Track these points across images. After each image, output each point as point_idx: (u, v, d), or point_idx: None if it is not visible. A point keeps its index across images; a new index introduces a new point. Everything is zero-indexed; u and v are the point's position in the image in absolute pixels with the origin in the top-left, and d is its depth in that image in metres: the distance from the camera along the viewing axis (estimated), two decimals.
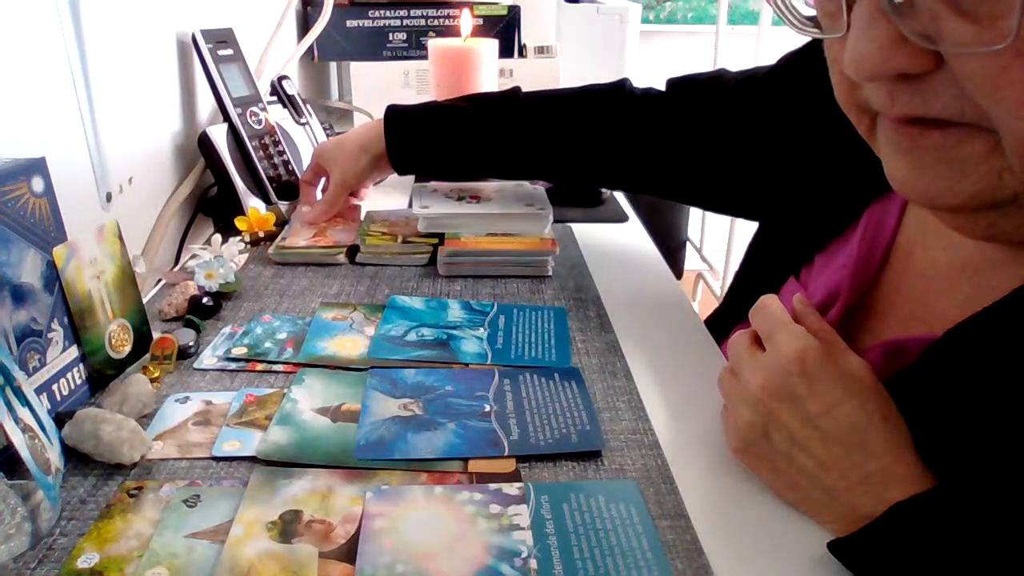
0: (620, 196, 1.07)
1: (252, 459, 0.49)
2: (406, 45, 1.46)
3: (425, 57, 1.12)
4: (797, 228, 0.64)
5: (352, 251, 0.83)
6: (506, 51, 1.44)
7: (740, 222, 2.45)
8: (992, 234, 0.42)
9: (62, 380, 0.52)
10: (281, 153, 0.95)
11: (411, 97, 1.37)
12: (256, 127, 0.92)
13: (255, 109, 0.93)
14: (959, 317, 0.44)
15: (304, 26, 1.39)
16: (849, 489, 0.43)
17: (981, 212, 0.39)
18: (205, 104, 0.99)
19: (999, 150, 0.35)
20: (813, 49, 0.65)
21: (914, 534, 0.39)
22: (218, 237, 0.75)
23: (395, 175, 1.02)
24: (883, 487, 0.41)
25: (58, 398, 0.52)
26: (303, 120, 1.03)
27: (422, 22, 1.46)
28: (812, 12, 0.42)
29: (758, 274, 0.69)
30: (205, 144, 0.88)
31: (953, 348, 0.44)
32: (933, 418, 0.44)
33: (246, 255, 0.81)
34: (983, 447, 0.41)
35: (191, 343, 0.61)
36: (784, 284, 0.63)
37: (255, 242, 0.85)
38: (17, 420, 0.43)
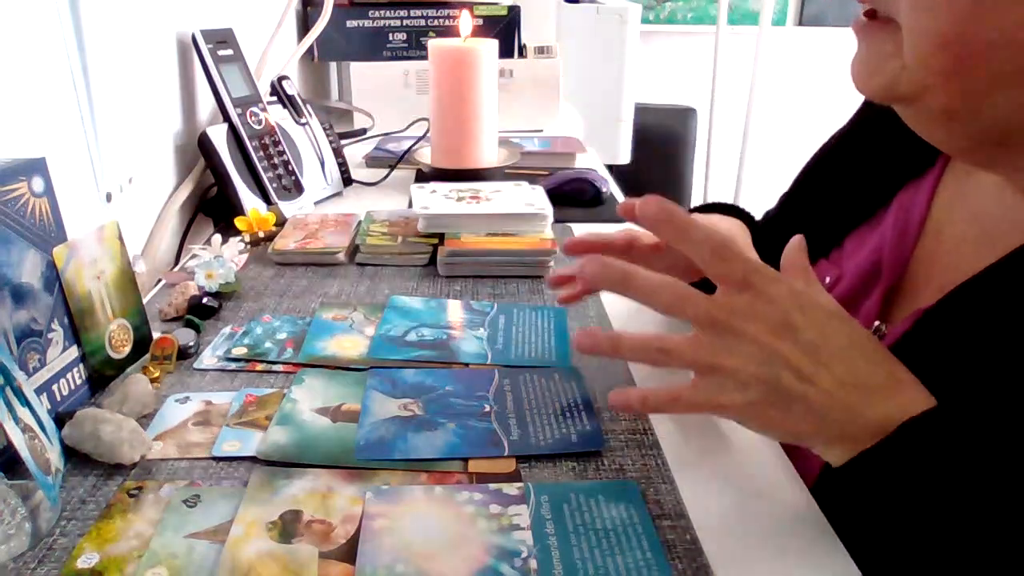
0: (620, 196, 1.07)
1: (252, 459, 0.49)
2: (406, 45, 1.46)
3: (425, 57, 1.12)
4: (827, 214, 0.66)
5: (352, 251, 0.83)
6: (506, 51, 1.44)
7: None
8: (932, 136, 0.47)
9: (62, 380, 0.52)
10: (281, 153, 0.95)
11: (411, 97, 1.37)
12: (256, 127, 0.92)
13: (255, 109, 0.93)
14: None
15: (304, 26, 1.39)
16: (863, 403, 0.42)
17: (900, 108, 0.47)
18: (205, 104, 0.99)
19: (901, 52, 0.43)
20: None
21: (929, 445, 0.40)
22: (218, 237, 0.75)
23: (396, 174, 1.03)
24: (895, 391, 0.43)
25: (58, 398, 0.52)
26: (303, 120, 1.03)
27: (422, 22, 1.46)
28: None
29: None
30: (205, 144, 0.88)
31: (964, 300, 0.47)
32: (950, 366, 0.45)
33: (246, 255, 0.81)
34: (997, 395, 0.43)
35: (191, 343, 0.61)
36: (814, 266, 0.65)
37: (255, 242, 0.85)
38: (17, 420, 0.43)
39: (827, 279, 0.63)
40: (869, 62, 0.46)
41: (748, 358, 0.43)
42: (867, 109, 0.69)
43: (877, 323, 0.55)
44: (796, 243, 0.49)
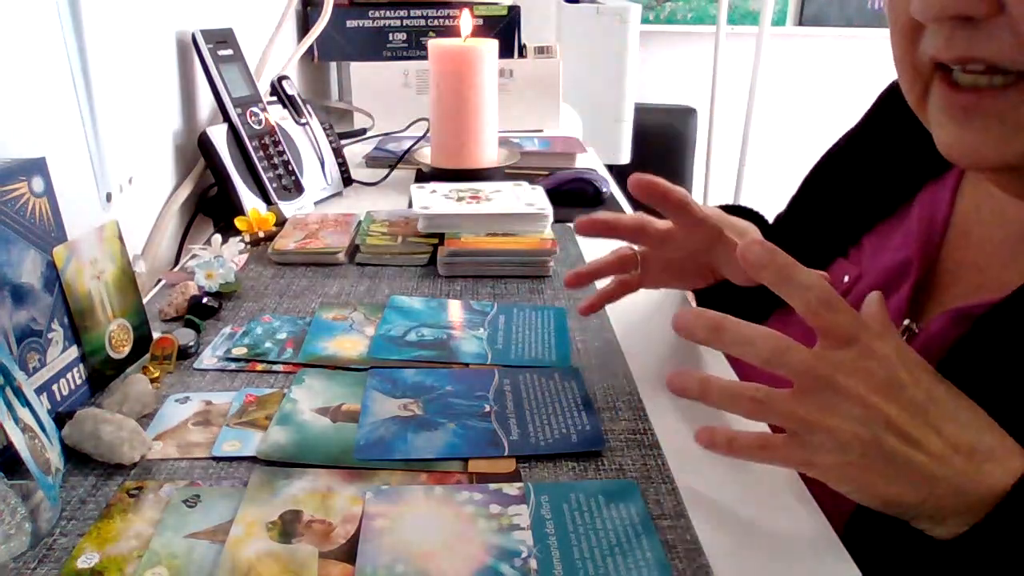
0: (620, 196, 1.07)
1: (252, 459, 0.49)
2: (406, 45, 1.46)
3: (425, 57, 1.12)
4: (844, 211, 0.65)
5: (352, 251, 0.83)
6: (506, 51, 1.44)
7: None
8: None
9: (62, 380, 0.52)
10: (281, 153, 0.95)
11: (411, 97, 1.37)
12: (256, 127, 0.92)
13: (255, 109, 0.93)
14: (1021, 283, 0.46)
15: (304, 26, 1.39)
16: (977, 471, 0.39)
17: (1010, 175, 0.45)
18: (205, 104, 0.99)
19: None
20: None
21: None
22: (218, 237, 0.75)
23: (396, 174, 1.03)
24: (1008, 458, 0.40)
25: (58, 398, 0.52)
26: (303, 120, 1.03)
27: (422, 22, 1.46)
28: None
29: (800, 256, 0.67)
30: (205, 144, 0.88)
31: (1019, 306, 0.45)
32: (1001, 375, 0.44)
33: (246, 255, 0.81)
34: None
35: (191, 343, 0.61)
36: (831, 264, 0.64)
37: (255, 242, 0.85)
38: (17, 420, 0.43)
39: (845, 278, 0.61)
40: (1002, 126, 0.42)
41: (849, 417, 0.40)
42: (879, 109, 0.67)
43: (907, 321, 0.53)
44: (875, 298, 0.45)
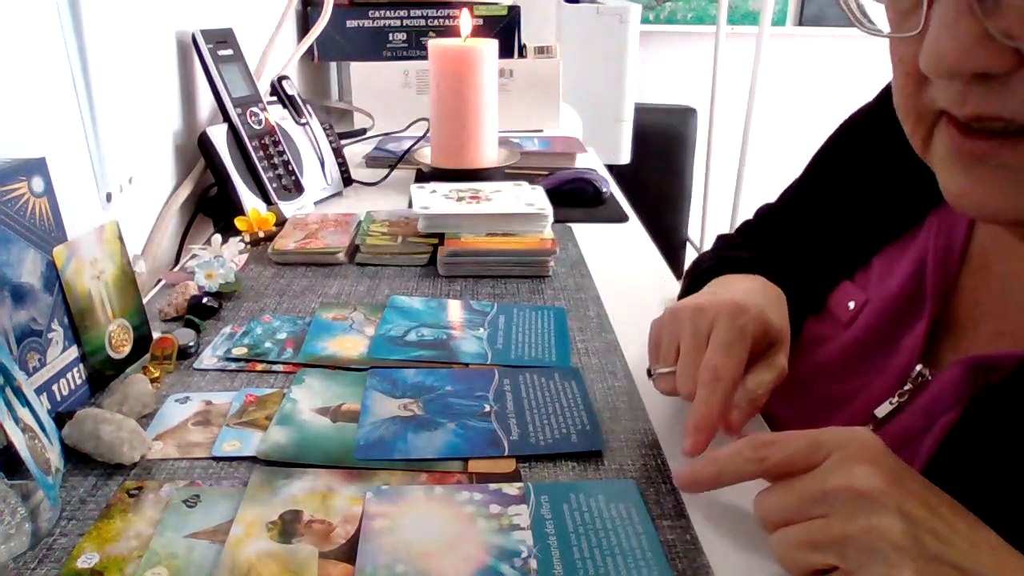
0: (620, 196, 1.07)
1: (252, 459, 0.49)
2: (406, 45, 1.46)
3: (425, 57, 1.12)
4: (852, 231, 0.59)
5: (352, 251, 0.83)
6: (506, 51, 1.44)
7: (741, 223, 2.46)
8: None
9: (62, 380, 0.52)
10: (281, 153, 0.95)
11: (411, 97, 1.37)
12: (256, 127, 0.92)
13: (255, 109, 0.93)
14: None
15: (304, 26, 1.39)
16: (998, 566, 0.35)
17: None
18: (205, 104, 0.99)
19: None
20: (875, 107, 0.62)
21: None
22: (218, 237, 0.75)
23: (396, 174, 1.02)
24: (1010, 552, 0.36)
25: (58, 398, 0.52)
26: (303, 120, 1.03)
27: (422, 22, 1.46)
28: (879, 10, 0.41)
29: (805, 278, 0.62)
30: (205, 144, 0.88)
31: None
32: (1020, 446, 0.40)
33: (246, 255, 0.81)
34: None
35: (191, 343, 0.61)
36: (836, 288, 0.59)
37: (255, 242, 0.85)
38: (17, 420, 0.43)
39: (851, 304, 0.56)
40: (1016, 176, 0.38)
41: (881, 514, 0.35)
42: (884, 109, 0.58)
43: (919, 367, 0.48)
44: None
